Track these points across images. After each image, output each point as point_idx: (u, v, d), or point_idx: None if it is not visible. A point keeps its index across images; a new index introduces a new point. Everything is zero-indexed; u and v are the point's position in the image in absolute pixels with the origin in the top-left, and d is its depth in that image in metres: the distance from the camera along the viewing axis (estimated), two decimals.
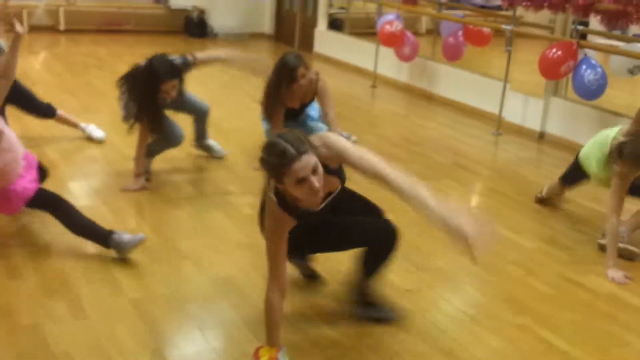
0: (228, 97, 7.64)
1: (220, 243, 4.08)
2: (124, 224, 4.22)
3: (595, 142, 4.39)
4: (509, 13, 7.38)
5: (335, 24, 10.92)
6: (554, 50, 6.16)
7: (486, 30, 7.93)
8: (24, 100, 5.36)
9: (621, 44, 6.85)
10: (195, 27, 11.78)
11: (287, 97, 5.11)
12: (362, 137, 6.06)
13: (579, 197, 5.10)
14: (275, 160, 2.65)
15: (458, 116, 7.54)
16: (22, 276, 3.54)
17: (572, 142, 6.49)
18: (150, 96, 4.64)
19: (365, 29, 10.39)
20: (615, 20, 6.01)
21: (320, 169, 2.71)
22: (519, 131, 7.03)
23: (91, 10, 11.33)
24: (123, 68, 8.78)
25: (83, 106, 6.81)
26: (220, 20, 11.86)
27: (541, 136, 6.88)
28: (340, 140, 2.85)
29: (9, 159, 3.66)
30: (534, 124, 6.95)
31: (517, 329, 3.34)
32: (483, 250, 2.54)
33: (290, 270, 3.35)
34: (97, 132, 5.76)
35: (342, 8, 11.11)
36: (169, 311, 3.32)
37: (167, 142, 4.98)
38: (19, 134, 4.01)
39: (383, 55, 8.69)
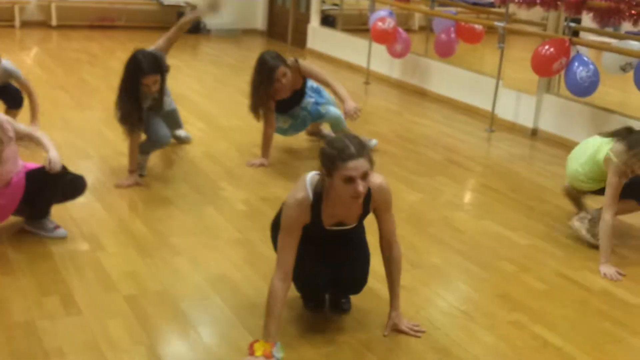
0: (222, 94, 7.62)
1: (214, 239, 4.07)
2: (117, 220, 4.20)
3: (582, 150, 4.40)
4: (502, 10, 7.37)
5: (328, 21, 10.91)
6: (547, 47, 6.16)
7: (478, 27, 7.93)
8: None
9: (613, 41, 6.87)
10: None
11: (273, 94, 5.20)
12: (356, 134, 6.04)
13: None
14: (334, 153, 2.80)
15: (451, 113, 7.54)
16: (14, 273, 3.52)
17: (565, 139, 6.51)
18: (133, 90, 4.63)
19: (358, 26, 10.38)
20: (608, 18, 6.03)
21: (368, 179, 2.86)
22: (512, 128, 7.04)
23: (83, 6, 11.28)
24: (115, 64, 8.78)
25: (76, 102, 6.78)
26: (212, 16, 11.81)
27: (534, 133, 6.89)
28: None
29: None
30: (527, 121, 6.96)
31: (511, 326, 3.34)
32: None
33: None
34: None
35: (335, 4, 11.10)
36: (162, 308, 3.31)
37: (151, 143, 4.97)
38: None
39: (376, 52, 8.69)
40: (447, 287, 3.75)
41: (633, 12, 5.81)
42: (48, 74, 7.90)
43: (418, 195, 4.99)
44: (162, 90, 4.80)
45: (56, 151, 3.82)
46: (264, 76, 5.11)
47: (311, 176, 2.98)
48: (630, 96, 7.91)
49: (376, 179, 3.01)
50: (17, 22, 10.78)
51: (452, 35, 7.95)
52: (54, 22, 11.02)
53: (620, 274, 3.93)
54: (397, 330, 3.18)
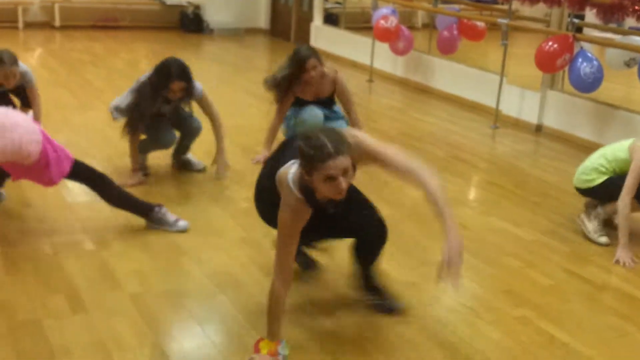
0: (226, 94, 7.62)
1: (219, 238, 4.07)
2: (123, 219, 4.20)
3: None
4: (505, 7, 7.37)
5: (330, 19, 10.92)
6: (550, 43, 6.15)
7: (480, 25, 7.92)
8: None
9: (617, 37, 6.86)
10: (191, 22, 11.77)
11: (298, 87, 5.16)
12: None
13: None
14: (312, 153, 2.69)
15: (455, 110, 7.54)
16: (19, 272, 3.53)
17: (569, 135, 6.50)
18: (156, 92, 4.64)
19: (361, 24, 10.39)
20: (611, 14, 6.01)
21: (351, 172, 2.76)
22: (516, 124, 7.03)
23: (86, 7, 11.30)
24: (119, 64, 8.83)
25: (79, 102, 6.79)
26: (215, 15, 11.83)
27: (538, 129, 6.88)
28: (369, 138, 2.94)
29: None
30: (531, 117, 6.95)
31: (517, 321, 3.34)
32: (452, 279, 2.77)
33: None
34: None
35: (337, 2, 11.10)
36: (168, 306, 3.31)
37: (154, 143, 4.98)
38: None
39: (379, 50, 8.68)
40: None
41: (637, 7, 5.80)
42: (51, 74, 7.91)
43: (422, 192, 4.96)
44: (184, 100, 4.85)
45: None
46: (296, 65, 5.07)
47: (292, 176, 2.86)
48: (634, 91, 7.90)
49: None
50: (20, 24, 10.80)
51: (455, 33, 7.94)
52: (57, 23, 11.04)
53: (634, 260, 3.92)
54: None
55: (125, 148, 4.84)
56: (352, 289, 3.42)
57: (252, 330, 3.10)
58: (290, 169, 2.87)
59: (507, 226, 4.46)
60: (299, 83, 5.12)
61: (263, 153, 5.28)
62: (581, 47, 6.15)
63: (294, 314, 3.25)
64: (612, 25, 7.64)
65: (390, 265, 3.78)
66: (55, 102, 5.84)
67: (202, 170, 5.15)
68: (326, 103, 5.37)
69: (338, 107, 5.46)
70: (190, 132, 5.10)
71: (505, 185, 5.25)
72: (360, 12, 11.23)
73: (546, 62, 6.19)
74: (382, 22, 7.98)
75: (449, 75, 8.11)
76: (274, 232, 3.92)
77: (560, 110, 6.72)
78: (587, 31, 8.24)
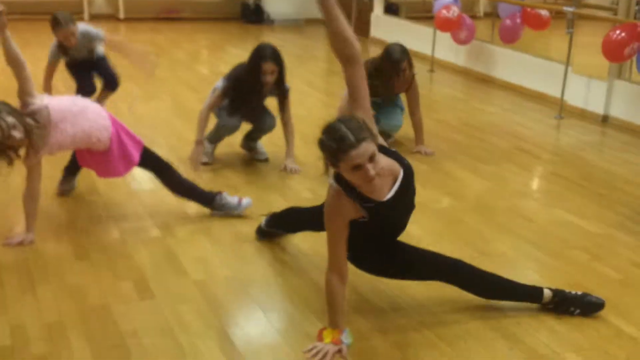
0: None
1: None
2: (186, 207, 4.27)
3: None
4: None
5: (391, 8, 10.85)
6: (618, 32, 6.00)
7: (545, 13, 7.77)
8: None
9: None
10: (252, 13, 11.84)
11: (384, 87, 5.18)
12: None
13: None
14: (334, 145, 2.66)
15: (518, 100, 7.43)
16: (90, 258, 3.62)
17: (637, 126, 6.34)
18: (253, 76, 4.73)
19: (422, 13, 10.29)
20: None
21: (378, 157, 2.71)
22: (582, 114, 6.89)
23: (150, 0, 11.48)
24: (181, 55, 8.94)
25: (145, 93, 6.91)
26: (276, 6, 11.89)
27: (604, 119, 6.73)
28: None
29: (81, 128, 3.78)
30: (597, 107, 6.79)
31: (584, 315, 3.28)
32: None
33: None
34: None
35: None
36: (232, 293, 3.35)
37: (223, 129, 5.04)
38: None
39: (440, 39, 8.60)
40: (517, 276, 3.66)
41: None
42: (116, 65, 8.05)
43: (485, 184, 4.93)
44: (273, 92, 4.95)
45: None
46: (388, 67, 5.09)
47: (333, 174, 2.86)
48: None
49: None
50: (85, 15, 11.04)
51: (518, 21, 7.81)
52: (121, 15, 11.25)
53: None
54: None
55: (190, 136, 4.89)
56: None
57: (315, 319, 3.12)
58: (331, 171, 2.88)
59: (573, 219, 4.38)
60: (386, 83, 5.15)
61: None
62: None
63: (357, 304, 3.26)
64: None
65: (454, 256, 3.75)
66: (120, 92, 5.95)
67: (265, 160, 5.18)
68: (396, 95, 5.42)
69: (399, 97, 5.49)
70: (262, 128, 5.16)
71: (570, 177, 5.15)
72: (421, 2, 11.13)
73: (613, 51, 6.04)
74: (443, 11, 7.90)
75: (511, 65, 7.99)
76: None
77: (628, 101, 6.56)
78: None
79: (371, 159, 2.67)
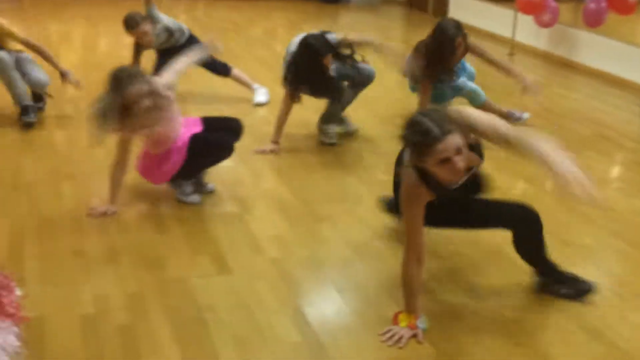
0: None
1: (356, 207, 4.10)
2: (264, 185, 4.31)
3: None
4: None
5: None
6: None
7: None
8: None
9: None
10: None
11: (443, 68, 5.14)
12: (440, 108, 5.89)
13: None
14: (419, 139, 2.62)
15: (601, 86, 7.21)
16: (169, 232, 3.69)
17: None
18: (318, 71, 4.73)
19: None
20: None
21: (465, 149, 2.66)
22: None
23: None
24: (257, 33, 8.99)
25: None
26: None
27: None
28: (472, 113, 2.80)
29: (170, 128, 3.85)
30: None
31: None
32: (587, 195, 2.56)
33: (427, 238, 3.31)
34: (259, 97, 5.90)
35: None
36: (308, 272, 3.37)
37: (359, 85, 5.06)
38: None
39: (521, 22, 8.41)
40: (599, 267, 3.60)
41: None
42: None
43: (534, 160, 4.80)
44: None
45: None
46: (443, 46, 5.01)
47: (408, 159, 2.82)
48: None
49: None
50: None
51: (603, 5, 7.56)
52: None
53: None
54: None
55: (268, 115, 4.93)
56: (543, 290, 3.26)
57: (391, 301, 3.11)
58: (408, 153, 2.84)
59: None
60: (445, 61, 5.08)
61: None
62: None
63: (433, 288, 3.24)
64: None
65: None
66: (198, 70, 6.02)
67: (353, 133, 5.15)
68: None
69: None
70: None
71: None
72: None
73: None
74: None
75: (595, 50, 7.75)
76: None
77: None
78: None
79: (458, 151, 2.62)
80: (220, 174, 4.41)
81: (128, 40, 5.97)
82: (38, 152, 4.63)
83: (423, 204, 2.86)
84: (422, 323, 2.88)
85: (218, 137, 3.97)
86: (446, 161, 2.61)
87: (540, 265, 3.20)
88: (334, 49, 4.77)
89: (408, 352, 2.80)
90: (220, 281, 3.24)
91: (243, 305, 3.05)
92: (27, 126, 5.02)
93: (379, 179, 4.50)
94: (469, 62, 5.55)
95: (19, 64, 5.12)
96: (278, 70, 6.54)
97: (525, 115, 5.65)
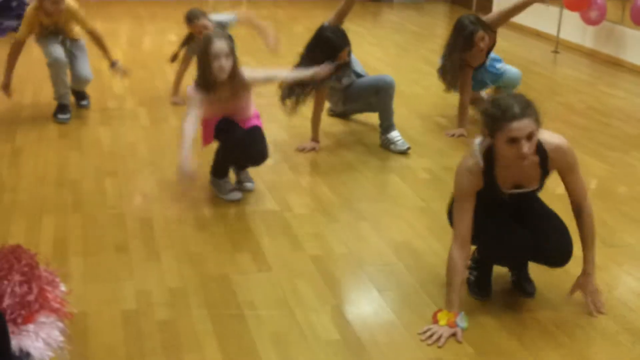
0: (405, 62, 7.57)
1: (397, 206, 4.09)
2: (304, 182, 4.33)
3: None
4: None
5: None
6: None
7: None
8: None
9: None
10: None
11: (470, 60, 5.11)
12: (543, 106, 5.80)
13: None
14: (497, 113, 2.71)
15: None
16: (210, 229, 3.72)
17: None
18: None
19: None
20: None
21: (536, 139, 2.74)
22: None
23: None
24: (299, 30, 9.00)
25: (261, 66, 6.99)
26: None
27: None
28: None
29: None
30: None
31: None
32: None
33: None
34: None
35: None
36: (347, 270, 3.38)
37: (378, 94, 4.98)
38: None
39: (567, 19, 8.28)
40: None
41: None
42: (237, 40, 8.20)
43: (610, 170, 4.73)
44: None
45: None
46: (463, 42, 5.03)
47: (480, 141, 2.89)
48: None
49: (554, 139, 2.91)
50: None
51: None
52: None
53: None
54: (580, 292, 3.07)
55: (308, 112, 4.93)
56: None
57: (430, 301, 3.10)
58: (480, 137, 2.89)
59: None
60: (469, 56, 5.09)
61: (460, 131, 5.22)
62: None
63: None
64: None
65: (575, 245, 3.63)
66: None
67: (405, 151, 4.86)
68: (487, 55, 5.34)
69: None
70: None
71: None
72: None
73: None
74: None
75: None
76: None
77: None
78: None
79: (529, 137, 2.70)
80: (260, 172, 4.43)
81: (173, 38, 6.03)
82: (82, 149, 4.71)
83: (473, 191, 2.88)
84: (461, 321, 2.87)
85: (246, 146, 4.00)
86: (515, 141, 2.70)
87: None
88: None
89: (447, 352, 2.78)
90: (260, 278, 3.26)
91: (282, 303, 3.07)
92: (62, 123, 5.12)
93: (421, 177, 4.49)
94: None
95: (71, 56, 5.20)
96: None
97: None
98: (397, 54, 8.01)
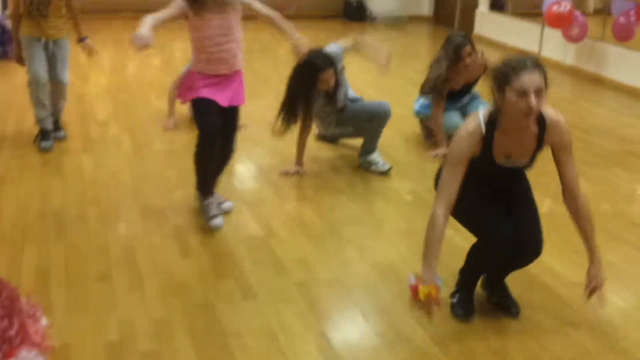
0: (389, 83, 7.61)
1: (381, 229, 4.09)
2: (288, 206, 4.32)
3: None
4: None
5: (497, 4, 10.62)
6: None
7: None
8: None
9: None
10: (354, 11, 11.84)
11: (453, 77, 5.12)
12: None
13: None
14: (509, 66, 2.76)
15: (631, 101, 7.13)
16: (194, 256, 3.70)
17: None
18: (307, 88, 4.71)
19: (530, 9, 10.03)
20: None
21: (544, 96, 2.77)
22: None
23: None
24: (283, 53, 9.03)
25: (248, 91, 6.98)
26: (378, 3, 11.84)
27: None
28: None
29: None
30: None
31: None
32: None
33: None
34: None
35: None
36: (332, 295, 3.36)
37: (374, 123, 4.98)
38: None
39: (548, 37, 8.36)
40: (627, 285, 3.55)
41: None
42: None
43: (592, 188, 4.76)
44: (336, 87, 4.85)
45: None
46: (451, 54, 5.07)
47: (484, 109, 2.92)
48: None
49: (556, 115, 2.94)
50: None
51: (633, 18, 7.50)
52: None
53: None
54: (595, 288, 3.01)
55: (294, 137, 4.93)
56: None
57: (417, 325, 3.10)
58: (485, 107, 2.93)
59: None
60: (453, 71, 5.11)
61: (441, 149, 5.20)
62: None
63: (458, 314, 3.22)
64: None
65: (560, 263, 3.66)
66: None
67: (386, 172, 4.91)
68: (470, 87, 5.36)
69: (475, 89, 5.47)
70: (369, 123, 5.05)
71: None
72: None
73: None
74: (554, 7, 7.67)
75: (624, 64, 7.68)
76: None
77: None
78: None
79: (538, 92, 2.74)
80: (244, 196, 4.43)
81: (156, 63, 6.04)
82: (64, 177, 4.68)
83: (468, 156, 2.88)
84: (441, 289, 2.85)
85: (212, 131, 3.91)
86: (524, 94, 2.72)
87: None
88: (333, 64, 4.75)
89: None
90: (245, 306, 3.24)
91: (268, 330, 3.05)
92: (44, 151, 5.09)
93: (405, 199, 4.49)
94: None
95: (52, 57, 5.15)
96: None
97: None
98: (380, 74, 8.01)
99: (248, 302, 3.27)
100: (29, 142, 5.25)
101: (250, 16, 4.05)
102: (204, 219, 4.04)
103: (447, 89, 5.18)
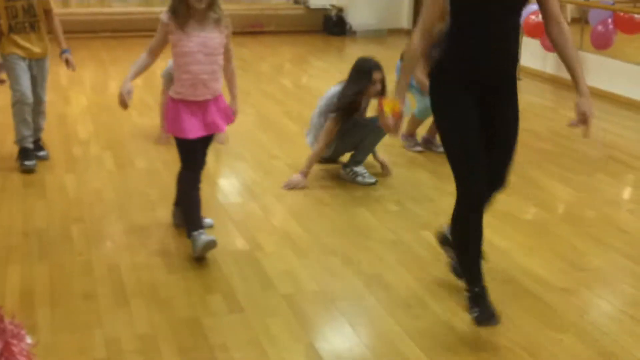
0: None
1: (367, 240, 4.09)
2: (273, 220, 4.31)
3: None
4: None
5: None
6: None
7: (638, 17, 7.52)
8: None
9: None
10: (334, 25, 11.88)
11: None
12: None
13: None
14: None
15: (611, 108, 7.19)
16: (180, 271, 3.68)
17: None
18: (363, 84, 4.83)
19: None
20: None
21: None
22: None
23: (234, 14, 11.64)
24: (265, 68, 9.05)
25: None
26: (358, 17, 11.89)
27: None
28: None
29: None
30: None
31: None
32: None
33: None
34: None
35: None
36: (319, 307, 3.36)
37: (372, 136, 4.96)
38: None
39: (527, 46, 8.42)
40: (613, 290, 3.57)
41: None
42: None
43: (576, 194, 4.79)
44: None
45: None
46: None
47: None
48: None
49: None
50: None
51: (610, 27, 7.59)
52: None
53: None
54: (585, 120, 2.95)
55: (276, 151, 4.93)
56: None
57: (404, 334, 3.09)
58: None
59: None
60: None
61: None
62: None
63: (443, 318, 3.21)
64: None
65: (545, 270, 3.67)
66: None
67: (373, 184, 4.91)
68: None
69: None
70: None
71: None
72: None
73: None
74: (532, 16, 7.74)
75: (603, 72, 7.74)
76: (424, 236, 3.92)
77: None
78: None
79: None
80: (229, 211, 4.41)
81: (138, 82, 6.01)
82: (47, 196, 4.64)
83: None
84: (406, 109, 2.88)
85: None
86: None
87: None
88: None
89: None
90: (232, 319, 3.23)
91: (255, 343, 3.03)
92: (27, 172, 5.03)
93: (390, 209, 4.50)
94: None
95: (34, 78, 5.10)
96: (286, 104, 6.60)
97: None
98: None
99: (235, 316, 3.25)
100: (10, 163, 5.20)
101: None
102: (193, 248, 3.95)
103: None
